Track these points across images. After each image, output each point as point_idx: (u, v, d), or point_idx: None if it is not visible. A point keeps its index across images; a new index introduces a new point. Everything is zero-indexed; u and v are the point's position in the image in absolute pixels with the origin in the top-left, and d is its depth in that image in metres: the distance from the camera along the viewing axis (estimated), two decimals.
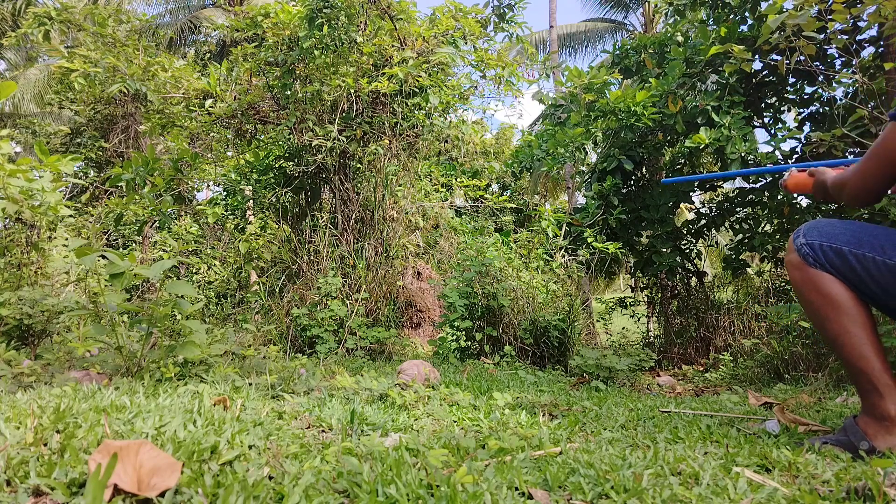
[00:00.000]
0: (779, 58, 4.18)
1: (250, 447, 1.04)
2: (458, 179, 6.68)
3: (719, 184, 5.49)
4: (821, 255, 1.35)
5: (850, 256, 1.31)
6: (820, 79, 4.24)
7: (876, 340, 1.27)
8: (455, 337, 3.68)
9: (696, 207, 5.69)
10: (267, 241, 5.18)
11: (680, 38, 4.89)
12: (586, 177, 5.76)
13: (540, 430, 1.39)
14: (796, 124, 4.79)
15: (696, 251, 5.42)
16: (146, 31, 12.15)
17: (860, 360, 1.26)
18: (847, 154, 3.86)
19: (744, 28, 4.50)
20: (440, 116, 4.80)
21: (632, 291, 6.41)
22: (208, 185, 8.62)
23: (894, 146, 1.25)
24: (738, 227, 5.05)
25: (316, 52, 4.23)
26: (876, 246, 1.30)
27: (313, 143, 4.41)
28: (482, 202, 6.55)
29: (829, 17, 3.28)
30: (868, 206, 1.40)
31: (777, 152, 4.42)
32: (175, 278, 5.47)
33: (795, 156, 4.49)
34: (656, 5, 5.00)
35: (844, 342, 1.28)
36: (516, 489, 0.92)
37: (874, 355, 1.25)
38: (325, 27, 4.12)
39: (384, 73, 4.27)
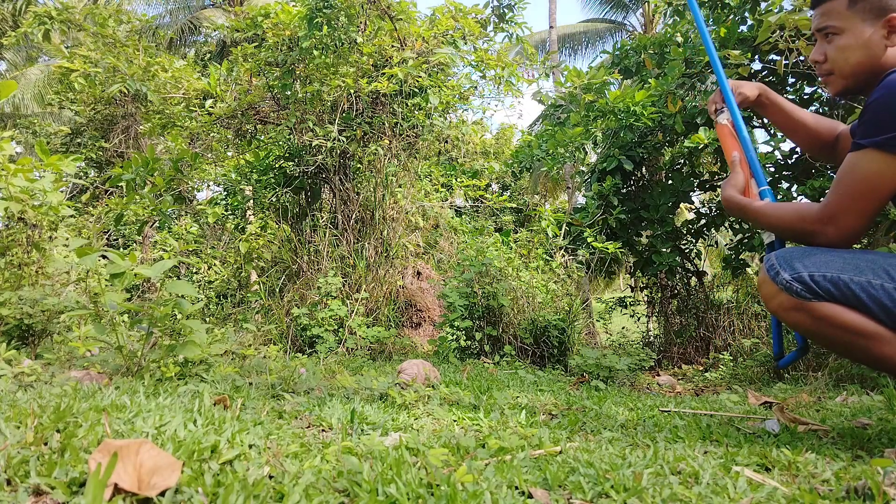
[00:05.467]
0: (778, 58, 4.18)
1: (250, 446, 1.04)
2: (458, 179, 6.68)
3: (719, 184, 5.49)
4: (814, 287, 1.17)
5: (854, 286, 1.13)
6: (819, 79, 4.24)
7: None
8: (455, 336, 3.68)
9: (696, 207, 5.69)
10: (267, 241, 5.19)
11: (679, 39, 4.89)
12: (586, 177, 5.76)
13: (540, 430, 1.39)
14: None
15: (696, 251, 5.42)
16: (146, 31, 12.15)
17: None
18: None
19: (743, 28, 4.50)
20: (440, 116, 4.80)
21: (631, 291, 6.41)
22: (208, 185, 8.62)
23: (878, 177, 1.12)
24: (737, 226, 5.06)
25: (316, 53, 4.23)
26: (878, 271, 1.13)
27: (313, 144, 4.41)
28: (482, 202, 6.55)
29: None
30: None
31: (777, 152, 4.42)
32: (175, 278, 5.48)
33: (795, 156, 4.49)
34: (656, 6, 5.00)
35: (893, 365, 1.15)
36: (516, 488, 0.92)
37: None
38: (325, 27, 4.12)
39: (384, 74, 4.27)
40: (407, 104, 4.63)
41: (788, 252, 1.25)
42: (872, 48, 1.25)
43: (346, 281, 4.32)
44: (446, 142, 5.40)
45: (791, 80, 4.64)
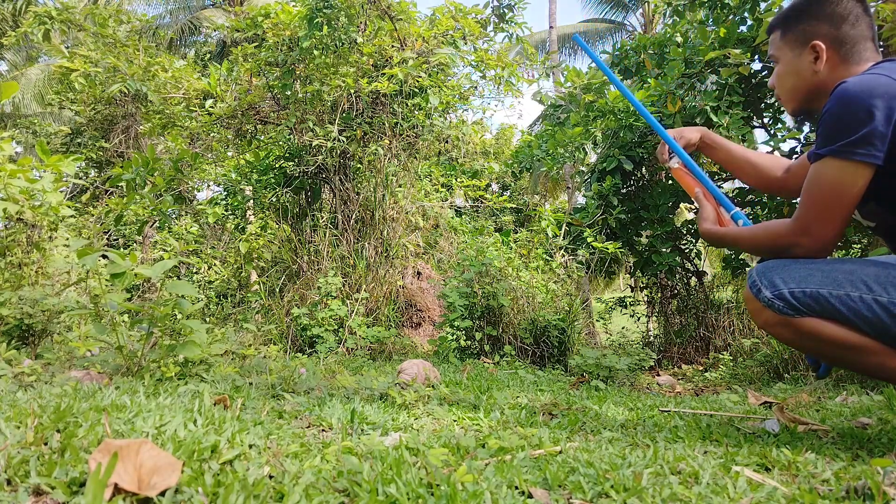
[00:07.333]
0: None
1: (250, 446, 1.04)
2: (458, 179, 6.67)
3: (719, 184, 5.50)
4: (795, 303, 1.18)
5: (833, 300, 1.15)
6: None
7: None
8: (455, 336, 3.68)
9: (696, 207, 5.69)
10: (267, 241, 5.19)
11: (679, 39, 4.89)
12: (586, 177, 5.76)
13: (540, 430, 1.39)
14: (795, 125, 4.79)
15: (695, 251, 5.42)
16: (146, 31, 12.15)
17: None
18: None
19: (743, 28, 4.50)
20: (440, 117, 4.80)
21: (631, 291, 6.41)
22: (208, 185, 8.63)
23: (841, 184, 1.14)
24: None
25: (316, 53, 4.23)
26: (857, 283, 1.15)
27: (313, 144, 4.41)
28: (482, 202, 6.55)
29: None
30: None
31: (776, 153, 4.42)
32: (175, 278, 5.47)
33: (795, 156, 4.49)
34: (656, 6, 5.00)
35: (888, 375, 1.16)
36: (516, 488, 0.92)
37: None
38: (325, 27, 4.12)
39: (384, 74, 4.27)
40: (407, 104, 4.63)
41: (768, 267, 1.26)
42: (801, 74, 1.34)
43: (346, 281, 4.32)
44: (446, 142, 5.40)
45: None
